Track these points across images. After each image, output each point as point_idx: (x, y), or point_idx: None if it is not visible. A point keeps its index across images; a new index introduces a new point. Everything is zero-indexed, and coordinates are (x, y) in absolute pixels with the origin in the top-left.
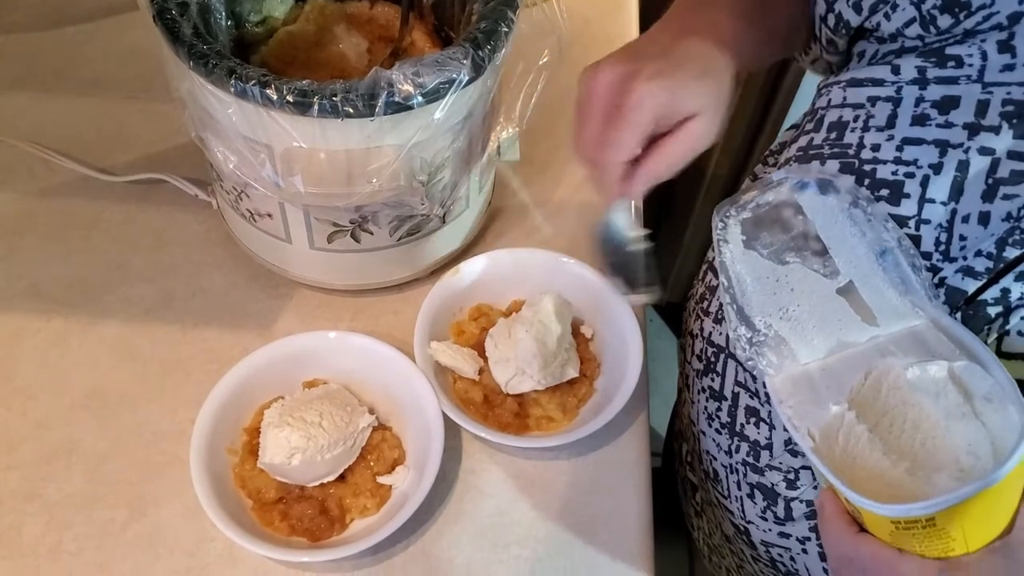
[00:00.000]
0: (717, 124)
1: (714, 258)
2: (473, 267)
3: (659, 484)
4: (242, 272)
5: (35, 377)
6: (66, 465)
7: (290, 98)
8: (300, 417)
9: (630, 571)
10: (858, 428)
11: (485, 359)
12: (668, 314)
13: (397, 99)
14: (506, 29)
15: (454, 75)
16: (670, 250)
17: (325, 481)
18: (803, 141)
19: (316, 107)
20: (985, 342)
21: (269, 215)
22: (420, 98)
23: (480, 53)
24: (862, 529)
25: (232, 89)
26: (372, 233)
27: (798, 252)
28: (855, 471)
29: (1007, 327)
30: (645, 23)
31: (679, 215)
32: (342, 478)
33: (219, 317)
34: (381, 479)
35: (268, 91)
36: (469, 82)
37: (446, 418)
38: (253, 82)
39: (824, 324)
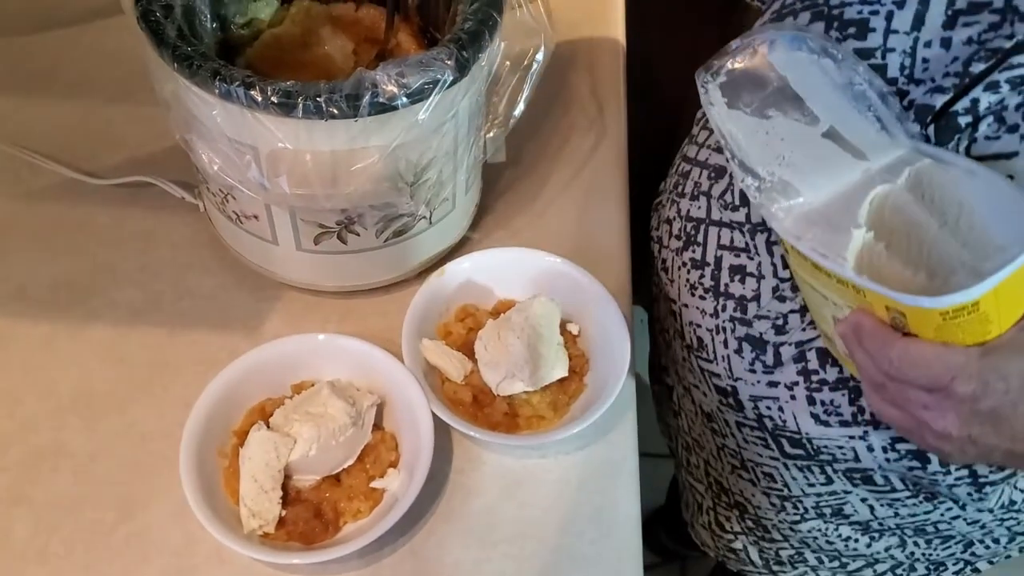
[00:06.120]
0: None
1: (705, 120)
2: (459, 267)
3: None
4: (229, 274)
5: (21, 380)
6: (53, 467)
7: (274, 99)
8: (304, 411)
9: (619, 568)
10: (877, 247)
11: (474, 360)
12: None
13: (381, 100)
14: (491, 30)
15: (438, 76)
16: None
17: (345, 467)
18: (776, 5)
19: (300, 108)
20: (956, 151)
21: (255, 217)
22: (404, 99)
23: (464, 53)
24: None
25: (216, 90)
26: (358, 234)
27: (777, 106)
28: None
29: (975, 135)
30: (631, 27)
31: None
32: (337, 480)
33: (207, 320)
34: (374, 483)
35: (252, 92)
36: (453, 82)
37: (435, 418)
38: (237, 83)
39: (820, 164)
